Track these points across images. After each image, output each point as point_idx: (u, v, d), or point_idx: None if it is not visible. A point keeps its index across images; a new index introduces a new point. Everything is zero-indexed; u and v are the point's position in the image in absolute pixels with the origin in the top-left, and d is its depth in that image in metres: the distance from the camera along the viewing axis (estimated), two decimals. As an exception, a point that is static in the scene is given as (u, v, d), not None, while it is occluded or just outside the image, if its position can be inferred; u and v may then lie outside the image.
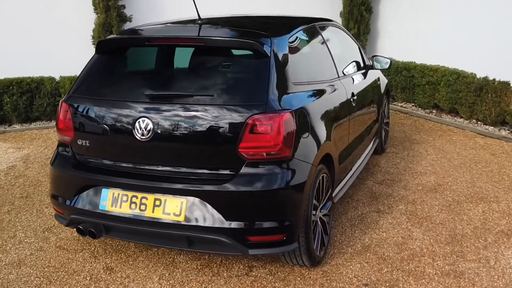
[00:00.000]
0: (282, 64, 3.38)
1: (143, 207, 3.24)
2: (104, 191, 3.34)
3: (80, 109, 3.46)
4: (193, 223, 3.13)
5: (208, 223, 3.12)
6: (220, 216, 3.11)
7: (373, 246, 3.90)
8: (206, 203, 3.13)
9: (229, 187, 3.09)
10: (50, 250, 3.91)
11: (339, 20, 9.54)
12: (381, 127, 5.81)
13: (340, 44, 4.86)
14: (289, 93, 3.34)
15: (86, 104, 3.44)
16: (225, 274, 3.55)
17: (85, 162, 3.49)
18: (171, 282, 3.46)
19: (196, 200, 3.14)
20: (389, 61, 5.27)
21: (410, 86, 8.52)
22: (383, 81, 5.89)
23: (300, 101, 3.43)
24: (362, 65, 5.23)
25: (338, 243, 3.95)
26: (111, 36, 3.62)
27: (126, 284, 3.44)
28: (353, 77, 4.74)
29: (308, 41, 4.12)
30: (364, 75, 5.20)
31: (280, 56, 3.38)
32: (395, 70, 8.69)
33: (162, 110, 3.19)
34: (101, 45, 3.60)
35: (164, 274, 3.55)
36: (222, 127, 3.11)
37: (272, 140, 3.11)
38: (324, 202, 3.67)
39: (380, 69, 5.44)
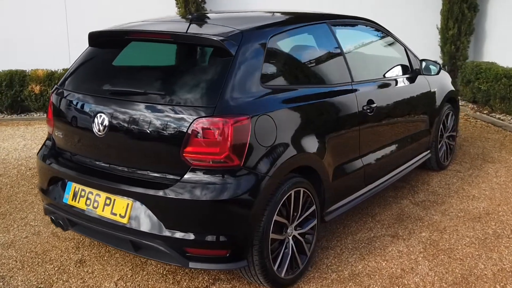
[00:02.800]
0: (251, 64, 3.08)
1: (95, 204, 3.16)
2: (69, 184, 3.33)
3: (60, 102, 3.48)
4: (135, 227, 2.99)
5: (147, 229, 2.95)
6: (160, 223, 2.93)
7: (362, 275, 3.42)
8: (147, 207, 2.97)
9: (170, 193, 2.89)
10: (44, 236, 4.02)
11: (438, 19, 8.67)
12: (436, 140, 5.13)
13: (369, 46, 4.35)
14: (255, 97, 3.04)
15: (65, 97, 3.45)
16: (185, 284, 3.35)
17: (60, 154, 3.51)
18: (128, 284, 3.35)
19: (140, 203, 2.99)
20: (438, 65, 4.63)
21: (510, 95, 7.47)
22: (444, 88, 5.17)
23: (270, 106, 3.09)
24: (409, 69, 4.66)
25: (325, 267, 3.54)
26: (100, 29, 3.59)
27: (85, 280, 3.41)
28: (379, 82, 4.20)
29: (306, 41, 3.72)
30: (410, 80, 4.62)
31: (250, 56, 3.08)
32: (494, 77, 7.68)
33: (115, 106, 3.09)
34: (90, 38, 3.58)
35: (127, 275, 3.45)
36: (169, 129, 2.91)
37: (218, 147, 2.84)
38: (299, 219, 3.29)
39: (430, 75, 4.79)
